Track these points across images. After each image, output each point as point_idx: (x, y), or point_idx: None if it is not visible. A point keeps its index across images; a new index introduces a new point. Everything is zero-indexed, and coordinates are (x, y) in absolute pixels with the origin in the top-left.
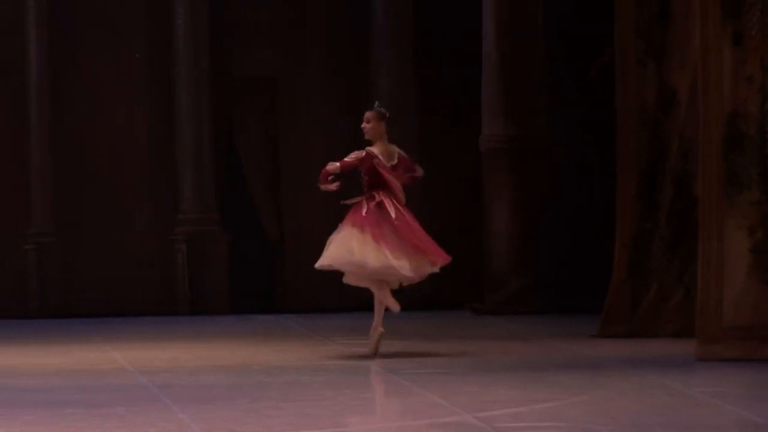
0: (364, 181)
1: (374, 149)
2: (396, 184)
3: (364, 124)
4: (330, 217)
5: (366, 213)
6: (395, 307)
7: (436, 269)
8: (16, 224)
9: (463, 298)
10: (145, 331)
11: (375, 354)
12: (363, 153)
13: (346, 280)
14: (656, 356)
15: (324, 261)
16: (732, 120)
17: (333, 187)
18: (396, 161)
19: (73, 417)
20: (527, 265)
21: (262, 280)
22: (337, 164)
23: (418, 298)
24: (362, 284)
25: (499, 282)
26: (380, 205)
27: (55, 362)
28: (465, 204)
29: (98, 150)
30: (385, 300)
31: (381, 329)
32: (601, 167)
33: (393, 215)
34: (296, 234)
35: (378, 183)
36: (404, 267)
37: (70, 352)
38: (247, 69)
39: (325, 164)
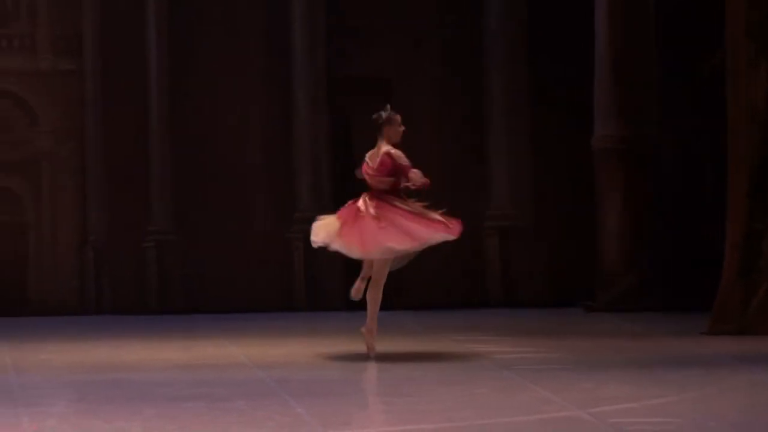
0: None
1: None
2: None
3: (402, 128)
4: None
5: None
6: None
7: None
8: (136, 222)
9: (575, 297)
10: (263, 327)
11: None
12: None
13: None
14: (766, 354)
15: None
16: None
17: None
18: (378, 162)
19: (193, 411)
20: (638, 264)
21: None
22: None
23: (530, 296)
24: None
25: (610, 280)
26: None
27: (176, 357)
28: (577, 203)
29: (216, 150)
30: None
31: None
32: (712, 167)
33: (371, 211)
34: None
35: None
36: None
37: (190, 347)
38: (363, 69)
39: (445, 165)
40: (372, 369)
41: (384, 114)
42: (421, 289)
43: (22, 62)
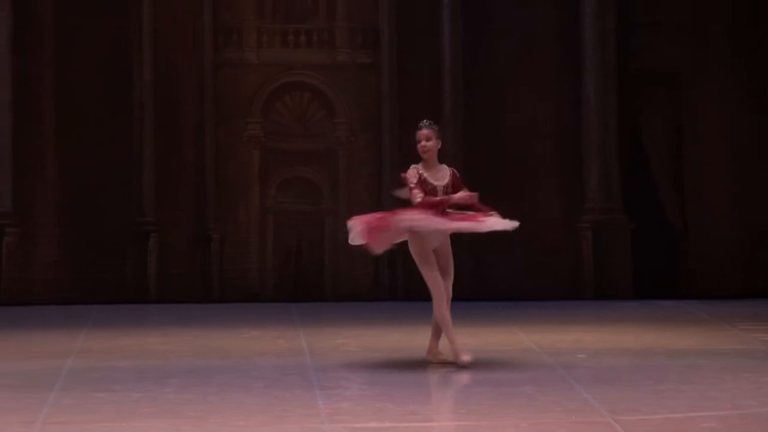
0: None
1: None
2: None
3: (425, 143)
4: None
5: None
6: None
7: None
8: None
9: None
10: (551, 314)
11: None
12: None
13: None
14: None
15: None
16: None
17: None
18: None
19: (482, 395)
20: None
21: (665, 266)
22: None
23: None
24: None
25: None
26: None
27: (465, 343)
28: None
29: (506, 140)
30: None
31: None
32: None
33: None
34: (699, 224)
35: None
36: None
37: (478, 333)
38: (651, 63)
39: (734, 158)
40: (659, 357)
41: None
42: (711, 278)
43: (320, 56)
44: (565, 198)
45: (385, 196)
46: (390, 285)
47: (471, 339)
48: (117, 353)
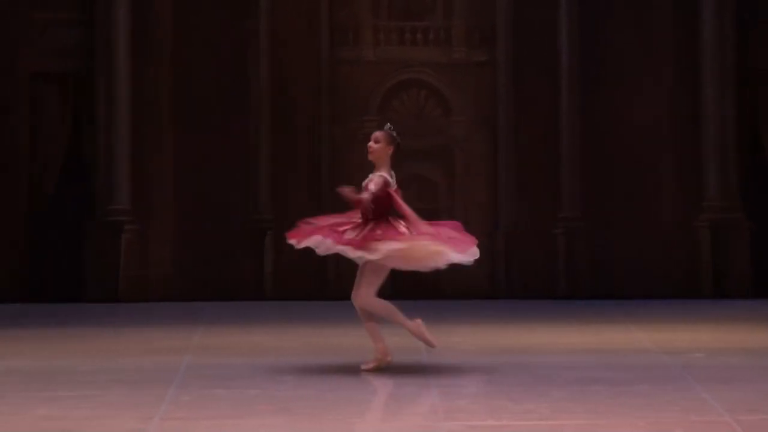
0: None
1: (385, 174)
2: (407, 213)
3: (371, 144)
4: None
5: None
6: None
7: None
8: (546, 209)
9: None
10: (669, 312)
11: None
12: (381, 181)
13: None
14: None
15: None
16: None
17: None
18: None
19: (599, 394)
20: None
21: None
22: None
23: None
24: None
25: None
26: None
27: (581, 342)
28: None
29: (625, 140)
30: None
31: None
32: None
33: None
34: None
35: (386, 209)
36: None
37: (595, 332)
38: (765, 62)
39: None
40: None
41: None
42: None
43: (437, 54)
44: (683, 197)
45: (501, 193)
46: (506, 283)
47: (589, 338)
48: (233, 350)
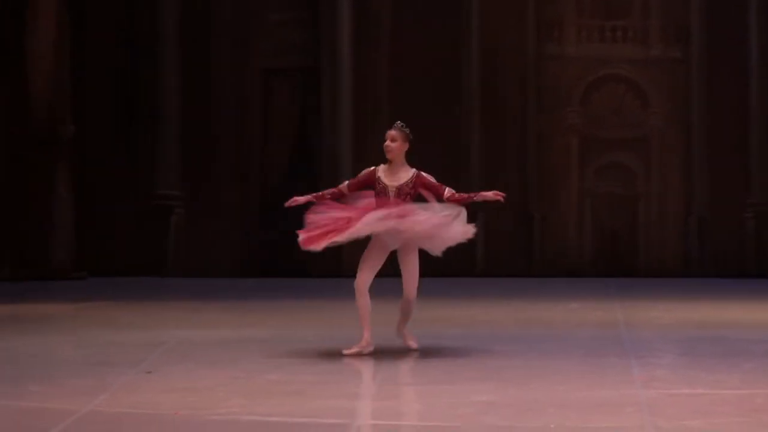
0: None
1: (379, 169)
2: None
3: (388, 143)
4: None
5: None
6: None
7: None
8: (736, 195)
9: None
10: None
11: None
12: (370, 170)
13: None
14: None
15: None
16: None
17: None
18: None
19: None
20: None
21: None
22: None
23: None
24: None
25: None
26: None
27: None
28: None
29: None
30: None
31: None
32: None
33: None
34: None
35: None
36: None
37: None
38: None
39: None
40: None
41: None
42: None
43: (634, 51)
44: None
45: (694, 180)
46: (699, 263)
47: None
48: (445, 322)
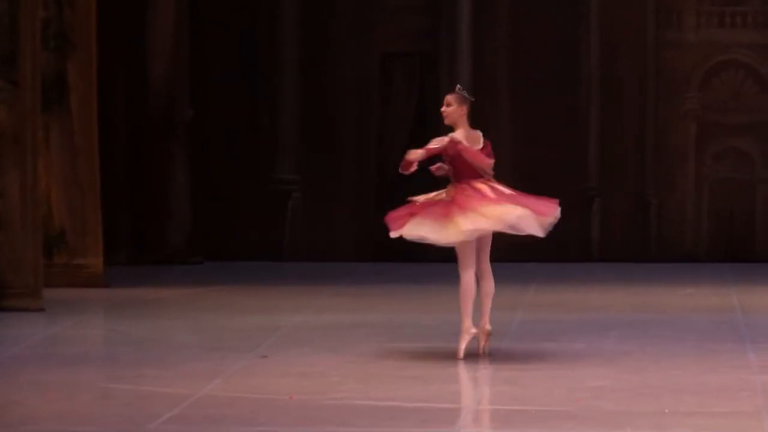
0: (449, 170)
1: (457, 135)
2: (486, 162)
3: (444, 108)
4: None
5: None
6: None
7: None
8: None
9: None
10: None
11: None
12: (446, 139)
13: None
14: None
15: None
16: None
17: (413, 169)
18: (481, 145)
19: None
20: None
21: None
22: (421, 151)
23: None
24: None
25: None
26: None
27: None
28: None
29: None
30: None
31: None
32: None
33: (489, 193)
34: None
35: (463, 169)
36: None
37: None
38: None
39: None
40: None
41: (466, 94)
42: None
43: (755, 36)
44: None
45: None
46: None
47: None
48: (561, 307)
